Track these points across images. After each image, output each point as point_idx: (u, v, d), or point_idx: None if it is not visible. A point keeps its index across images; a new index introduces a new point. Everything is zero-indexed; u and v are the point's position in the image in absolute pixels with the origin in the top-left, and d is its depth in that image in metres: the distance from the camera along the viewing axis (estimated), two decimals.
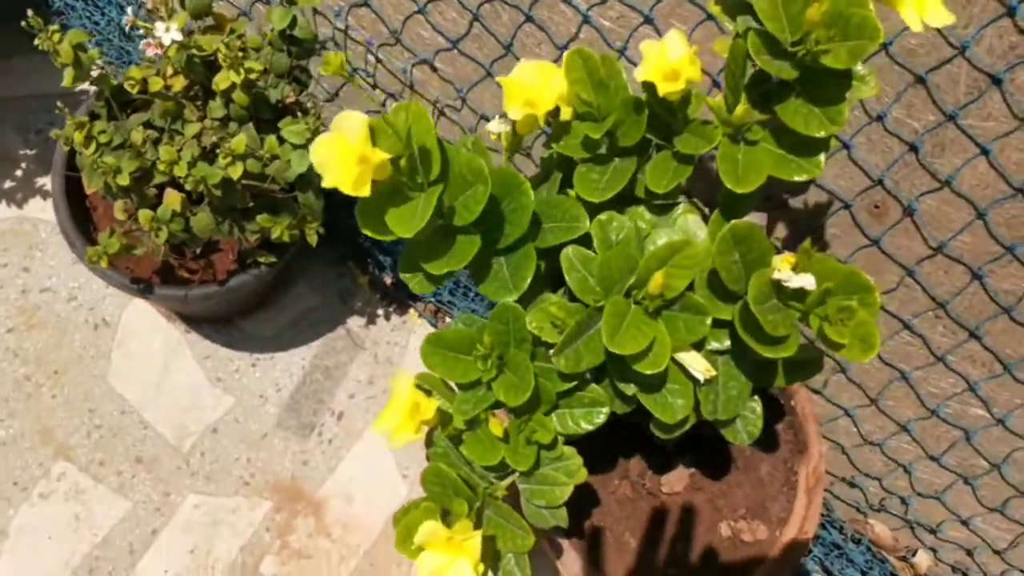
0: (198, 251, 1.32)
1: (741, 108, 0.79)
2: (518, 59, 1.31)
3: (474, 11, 1.30)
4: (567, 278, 0.82)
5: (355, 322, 1.63)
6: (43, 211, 1.66)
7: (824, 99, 0.79)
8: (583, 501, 1.20)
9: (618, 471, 1.21)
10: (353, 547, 1.47)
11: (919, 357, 1.29)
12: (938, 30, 1.00)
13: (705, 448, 1.21)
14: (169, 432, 1.54)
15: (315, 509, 1.50)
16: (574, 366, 0.79)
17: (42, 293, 1.60)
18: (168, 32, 1.05)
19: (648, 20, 1.18)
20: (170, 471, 1.52)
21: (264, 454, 1.53)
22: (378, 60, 1.44)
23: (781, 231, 1.30)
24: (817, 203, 1.24)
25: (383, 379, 1.60)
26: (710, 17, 1.14)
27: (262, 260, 1.28)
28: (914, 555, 1.50)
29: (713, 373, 0.81)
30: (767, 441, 1.25)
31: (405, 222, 0.73)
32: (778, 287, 0.75)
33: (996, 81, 1.02)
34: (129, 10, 1.09)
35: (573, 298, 0.85)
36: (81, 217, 1.34)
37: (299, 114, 1.17)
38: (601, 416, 0.86)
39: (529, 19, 1.27)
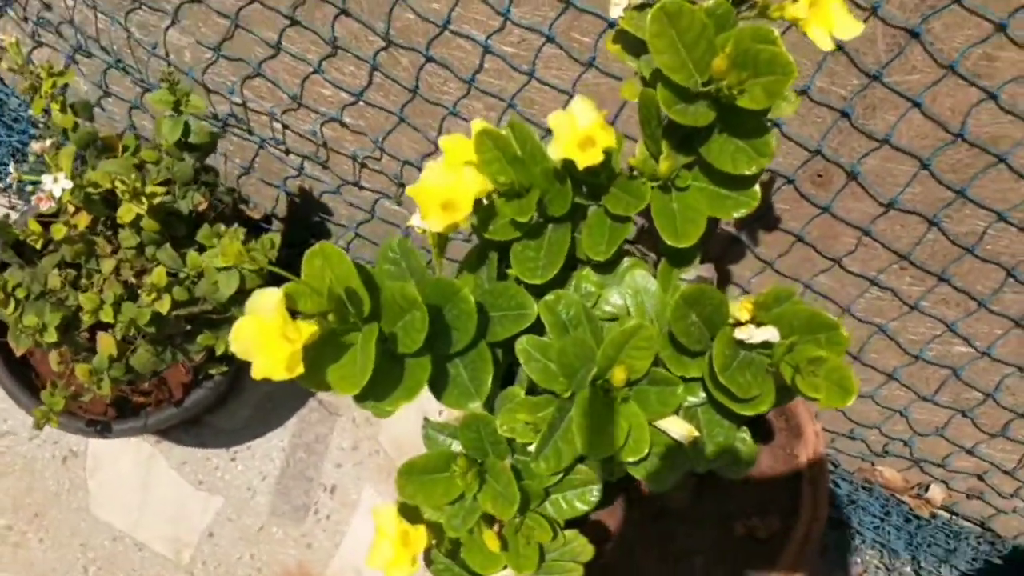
0: None
1: (665, 163, 0.76)
2: (427, 100, 1.26)
3: (371, 61, 1.24)
4: (527, 370, 0.79)
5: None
6: None
7: (747, 132, 0.75)
8: (594, 538, 1.18)
9: (621, 498, 1.19)
10: None
11: (892, 309, 1.28)
12: None
13: None
14: (165, 548, 1.50)
15: None
16: (556, 465, 0.76)
17: (2, 438, 1.55)
18: (57, 183, 0.99)
19: (550, 39, 1.13)
20: None
21: (265, 546, 1.50)
22: (284, 127, 1.38)
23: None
24: (760, 183, 1.21)
25: (367, 441, 1.56)
26: (611, 25, 1.10)
27: (214, 372, 1.24)
28: (927, 491, 1.50)
29: (696, 435, 0.78)
30: (762, 434, 1.23)
31: (348, 378, 0.69)
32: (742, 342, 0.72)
33: (914, 35, 1.00)
34: (12, 167, 1.02)
35: (535, 386, 0.81)
36: (19, 369, 1.28)
37: (215, 223, 1.12)
38: (595, 494, 0.83)
39: (429, 59, 1.22)
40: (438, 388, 0.80)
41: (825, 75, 1.07)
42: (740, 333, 0.71)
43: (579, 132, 0.74)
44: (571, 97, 1.19)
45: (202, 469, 1.54)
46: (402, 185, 1.40)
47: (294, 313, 0.67)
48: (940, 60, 1.01)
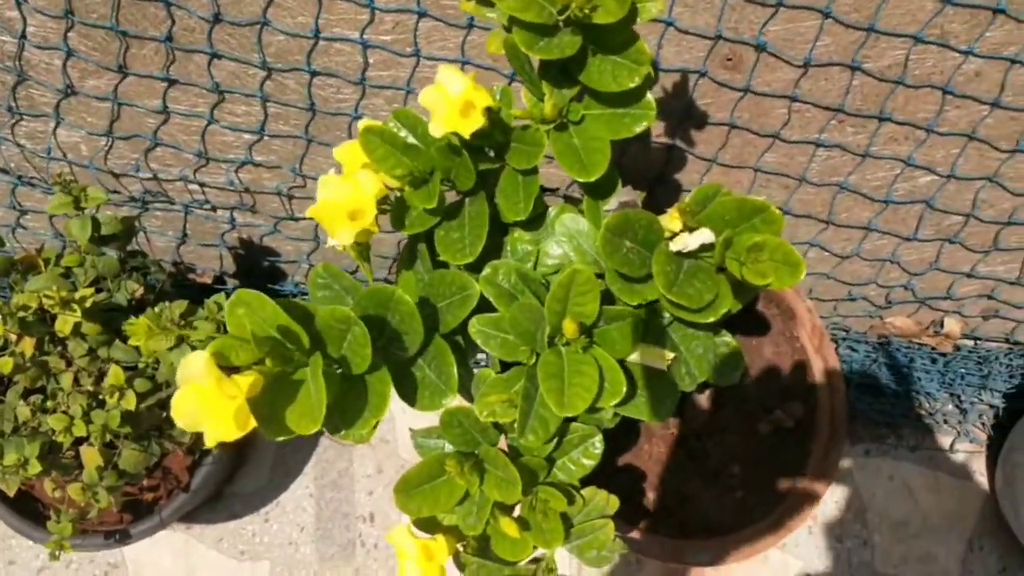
0: None
1: (549, 103, 0.73)
2: (327, 114, 1.23)
3: (259, 94, 1.22)
4: (487, 348, 0.77)
5: None
6: None
7: (618, 46, 0.72)
8: (632, 484, 1.16)
9: (643, 436, 1.18)
10: None
11: (846, 163, 1.25)
12: None
13: None
14: None
15: None
16: (544, 434, 0.74)
17: (40, 574, 1.54)
18: None
19: (422, 15, 1.10)
20: None
21: None
22: (202, 185, 1.36)
23: (662, 127, 1.24)
24: (675, 85, 1.18)
25: (389, 460, 1.54)
26: None
27: (211, 447, 1.22)
28: (942, 326, 1.48)
29: (670, 357, 0.76)
30: (756, 325, 1.21)
31: (306, 415, 0.67)
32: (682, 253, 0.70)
33: None
34: None
35: (502, 363, 0.79)
36: (21, 505, 1.26)
37: (157, 304, 1.09)
38: (598, 445, 0.82)
39: (314, 73, 1.19)
40: (409, 395, 0.78)
41: None
42: (675, 245, 0.69)
43: (455, 101, 0.71)
44: (463, 64, 1.16)
45: (240, 540, 1.53)
46: None
47: (234, 369, 0.65)
48: None
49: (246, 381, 0.63)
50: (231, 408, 0.62)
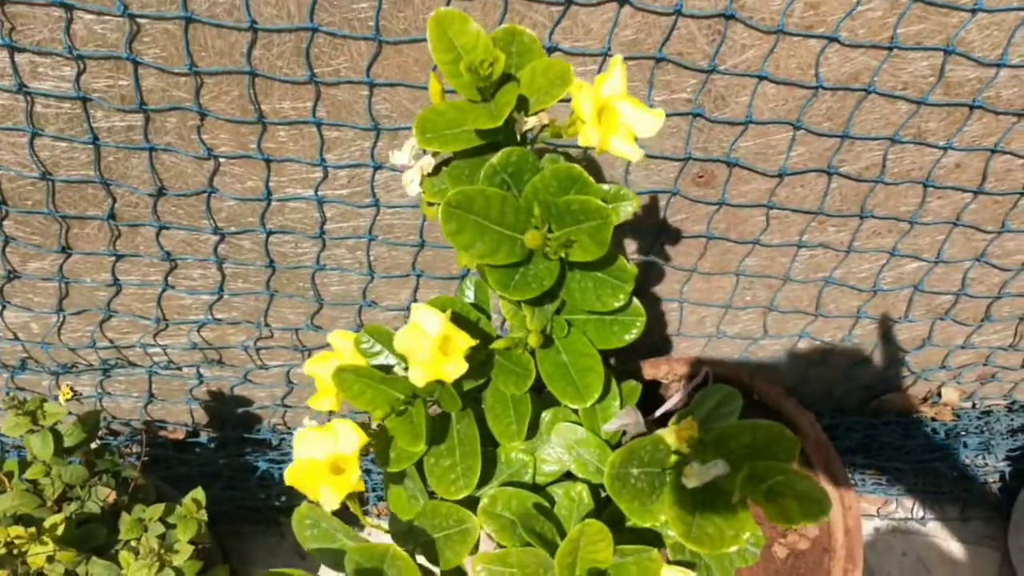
0: None
1: (533, 332, 0.68)
2: (288, 268, 1.18)
3: (213, 259, 1.15)
4: None
5: None
6: None
7: (599, 264, 0.68)
8: None
9: None
10: None
11: (829, 260, 1.21)
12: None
13: None
14: None
15: None
16: None
17: None
18: None
19: (378, 168, 1.05)
20: None
21: None
22: (164, 348, 1.29)
23: (633, 245, 1.19)
24: (646, 206, 1.14)
25: None
26: None
27: None
28: (940, 396, 1.45)
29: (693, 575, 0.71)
30: None
31: None
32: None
33: (728, 17, 0.93)
34: None
35: None
36: None
37: (131, 506, 1.03)
38: None
39: (270, 233, 1.13)
40: None
41: (660, 88, 1.00)
42: (688, 481, 0.64)
43: (434, 341, 0.66)
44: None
45: None
46: (305, 349, 1.31)
47: None
48: (766, 29, 0.94)
49: None
50: None
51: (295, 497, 1.45)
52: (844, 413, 1.47)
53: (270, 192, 1.08)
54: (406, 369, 0.73)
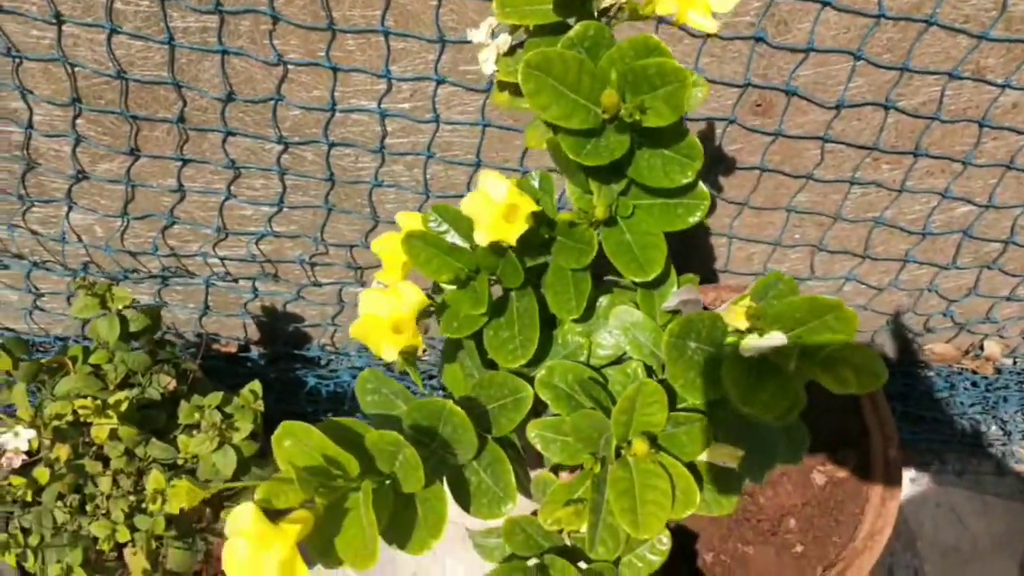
0: None
1: (600, 204, 0.70)
2: (347, 182, 1.20)
3: (276, 169, 1.19)
4: (547, 454, 0.74)
5: None
6: None
7: (668, 140, 0.69)
8: (682, 548, 1.13)
9: None
10: None
11: (881, 199, 1.22)
12: None
13: None
14: None
15: None
16: (615, 547, 0.71)
17: None
18: (18, 437, 0.94)
19: (440, 81, 1.07)
20: None
21: None
22: (222, 259, 1.33)
23: None
24: (702, 133, 1.15)
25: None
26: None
27: None
28: (983, 349, 1.45)
29: (739, 455, 0.73)
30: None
31: (357, 550, 0.64)
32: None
33: None
34: None
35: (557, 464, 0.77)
36: None
37: (190, 395, 1.07)
38: (665, 542, 0.79)
39: (332, 145, 1.16)
40: (464, 501, 0.75)
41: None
42: (745, 351, 0.65)
43: (498, 208, 0.68)
44: (484, 127, 1.13)
45: None
46: (358, 268, 1.35)
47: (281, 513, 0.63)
48: None
49: (293, 532, 0.60)
50: (282, 558, 0.59)
51: (340, 413, 1.49)
52: (885, 361, 1.47)
53: (335, 102, 1.11)
54: (473, 249, 0.76)
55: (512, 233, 0.68)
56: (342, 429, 0.68)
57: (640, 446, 0.66)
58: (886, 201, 1.22)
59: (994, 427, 1.51)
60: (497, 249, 0.74)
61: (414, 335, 0.71)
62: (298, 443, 0.64)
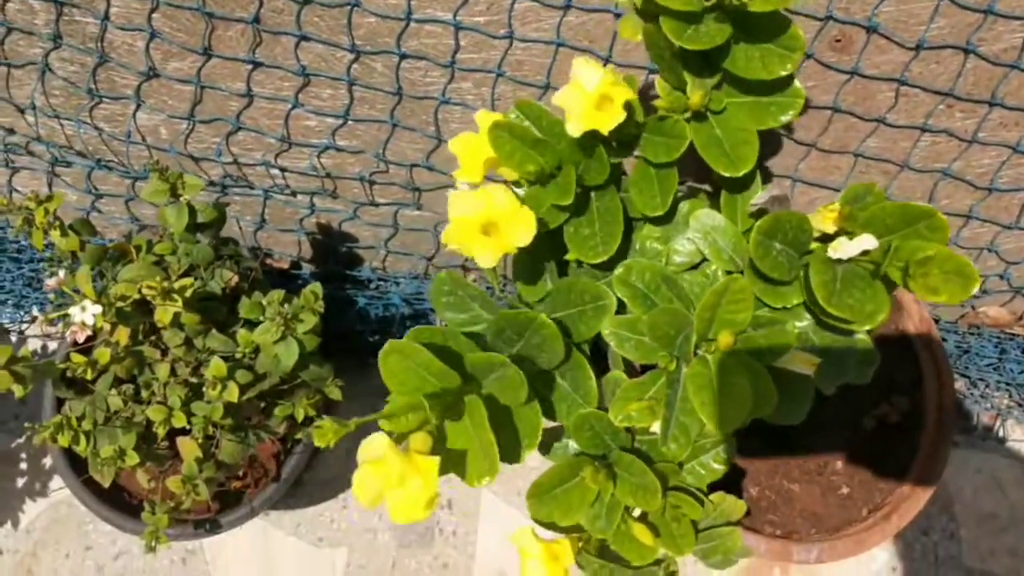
0: None
1: (695, 93, 0.69)
2: (414, 97, 1.20)
3: (345, 78, 1.19)
4: (621, 352, 0.74)
5: None
6: None
7: (769, 32, 0.69)
8: (728, 483, 1.13)
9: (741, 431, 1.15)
10: None
11: (951, 149, 1.20)
12: None
13: None
14: None
15: None
16: (687, 443, 0.71)
17: (117, 560, 1.53)
18: (85, 311, 0.95)
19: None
20: None
21: None
22: (283, 170, 1.33)
23: None
24: None
25: None
26: None
27: (301, 437, 1.21)
28: None
29: (817, 362, 0.72)
30: None
31: (477, 463, 0.65)
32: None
33: None
34: (36, 311, 0.98)
35: (631, 364, 0.77)
36: (111, 495, 1.24)
37: (250, 292, 1.07)
38: (728, 451, 0.79)
39: (403, 56, 1.15)
40: (546, 407, 0.75)
41: None
42: (834, 252, 0.65)
43: (591, 97, 0.68)
44: (558, 47, 1.12)
45: (318, 526, 1.52)
46: (416, 190, 1.35)
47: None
48: None
49: (431, 466, 0.62)
50: (423, 494, 0.61)
51: (389, 335, 1.50)
52: (937, 322, 1.46)
53: (411, 11, 1.10)
54: (558, 143, 0.75)
55: (606, 122, 0.68)
56: (444, 351, 0.68)
57: (725, 338, 0.65)
58: (955, 152, 1.20)
59: None
60: (586, 143, 0.74)
61: (512, 241, 0.71)
62: (404, 359, 0.65)
